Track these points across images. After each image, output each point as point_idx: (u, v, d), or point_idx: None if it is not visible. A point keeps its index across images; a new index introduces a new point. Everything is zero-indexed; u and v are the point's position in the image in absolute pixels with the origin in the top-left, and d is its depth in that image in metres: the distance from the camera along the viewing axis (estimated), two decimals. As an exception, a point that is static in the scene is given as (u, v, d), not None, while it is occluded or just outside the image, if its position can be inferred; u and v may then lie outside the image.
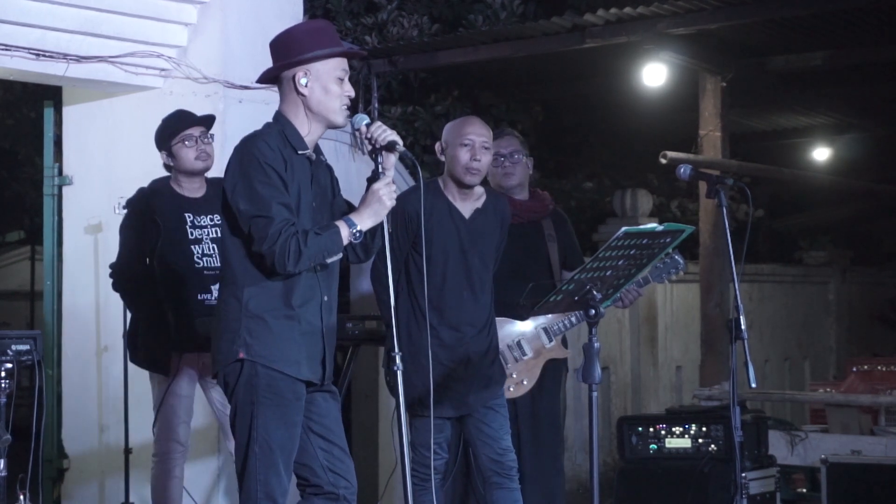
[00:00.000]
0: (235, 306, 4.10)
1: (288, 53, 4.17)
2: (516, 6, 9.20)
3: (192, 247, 5.67)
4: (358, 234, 4.09)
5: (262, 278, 4.08)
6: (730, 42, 8.49)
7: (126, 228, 5.81)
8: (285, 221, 3.99)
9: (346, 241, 4.09)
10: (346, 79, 4.20)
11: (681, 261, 5.60)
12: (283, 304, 4.10)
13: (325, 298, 4.20)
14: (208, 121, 5.81)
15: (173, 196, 5.74)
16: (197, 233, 5.69)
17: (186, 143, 5.68)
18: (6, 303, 14.01)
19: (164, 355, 5.63)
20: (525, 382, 5.60)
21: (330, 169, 4.38)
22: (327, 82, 4.16)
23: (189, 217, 5.70)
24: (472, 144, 5.07)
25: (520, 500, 5.11)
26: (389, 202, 4.12)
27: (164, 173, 5.89)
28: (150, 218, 5.68)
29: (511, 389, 5.53)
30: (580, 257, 5.98)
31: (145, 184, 6.67)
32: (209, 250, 5.70)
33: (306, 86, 4.15)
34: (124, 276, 5.79)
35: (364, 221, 4.10)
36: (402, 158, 4.27)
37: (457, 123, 5.23)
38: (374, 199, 4.11)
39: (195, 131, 5.70)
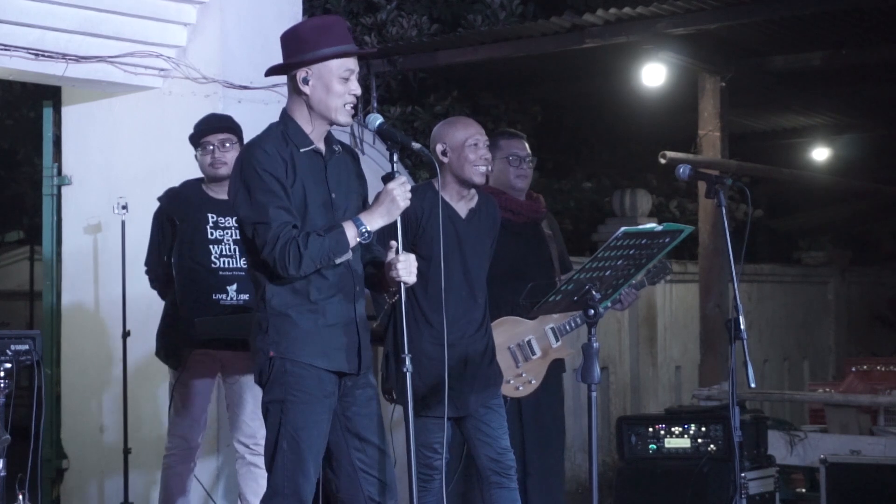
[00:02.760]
0: (262, 306, 4.13)
1: (294, 50, 4.17)
2: (515, 6, 9.21)
3: (211, 247, 5.71)
4: (367, 235, 4.08)
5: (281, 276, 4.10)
6: (729, 42, 8.49)
7: (152, 227, 5.92)
8: (283, 225, 3.99)
9: (353, 242, 4.07)
10: (353, 77, 4.18)
11: (670, 266, 5.68)
12: (305, 299, 4.11)
13: (358, 288, 4.22)
14: (233, 129, 5.79)
15: (199, 196, 5.79)
16: (218, 233, 5.74)
17: (206, 149, 5.71)
18: (5, 303, 13.98)
19: (175, 350, 5.71)
20: (533, 382, 5.60)
21: (355, 157, 4.37)
22: (330, 81, 4.14)
23: (212, 217, 5.74)
24: (478, 144, 5.09)
25: (518, 500, 5.10)
26: (403, 202, 4.11)
27: (163, 173, 5.92)
28: (169, 217, 5.77)
29: (520, 389, 5.54)
30: (570, 262, 6.04)
31: (145, 183, 6.70)
32: (229, 251, 5.74)
33: (308, 84, 4.15)
34: (149, 272, 5.91)
35: (374, 221, 4.10)
36: (418, 154, 4.27)
37: (457, 125, 5.20)
38: (388, 199, 4.10)
39: (214, 139, 5.72)
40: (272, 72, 4.29)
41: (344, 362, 4.16)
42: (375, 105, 8.45)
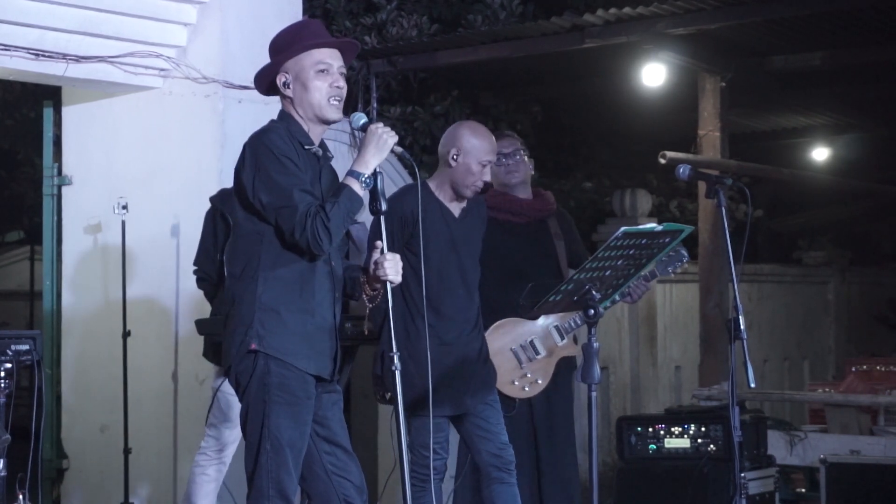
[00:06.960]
0: (249, 299, 4.09)
1: (273, 57, 4.21)
2: (515, 6, 9.21)
3: None
4: (367, 181, 4.08)
5: (275, 271, 4.08)
6: (729, 42, 8.49)
7: (204, 226, 5.92)
8: (308, 205, 4.00)
9: (361, 194, 4.09)
10: (334, 71, 4.16)
11: (685, 253, 5.60)
12: (298, 297, 4.09)
13: (336, 294, 4.22)
14: None
15: None
16: None
17: None
18: (5, 303, 13.99)
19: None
20: (540, 381, 5.60)
21: (334, 171, 4.39)
22: (306, 78, 4.14)
23: None
24: (489, 166, 5.09)
25: (517, 495, 5.11)
26: (391, 138, 4.10)
27: (163, 173, 5.90)
28: (221, 216, 5.75)
29: (526, 389, 5.54)
30: (587, 256, 6.01)
31: (145, 183, 6.69)
32: None
33: (289, 87, 4.16)
34: (199, 271, 5.89)
35: (368, 164, 4.09)
36: (400, 159, 4.28)
37: (480, 137, 5.12)
38: (374, 138, 4.09)
39: None
40: (258, 84, 4.28)
41: (325, 367, 4.16)
42: (375, 105, 8.46)
